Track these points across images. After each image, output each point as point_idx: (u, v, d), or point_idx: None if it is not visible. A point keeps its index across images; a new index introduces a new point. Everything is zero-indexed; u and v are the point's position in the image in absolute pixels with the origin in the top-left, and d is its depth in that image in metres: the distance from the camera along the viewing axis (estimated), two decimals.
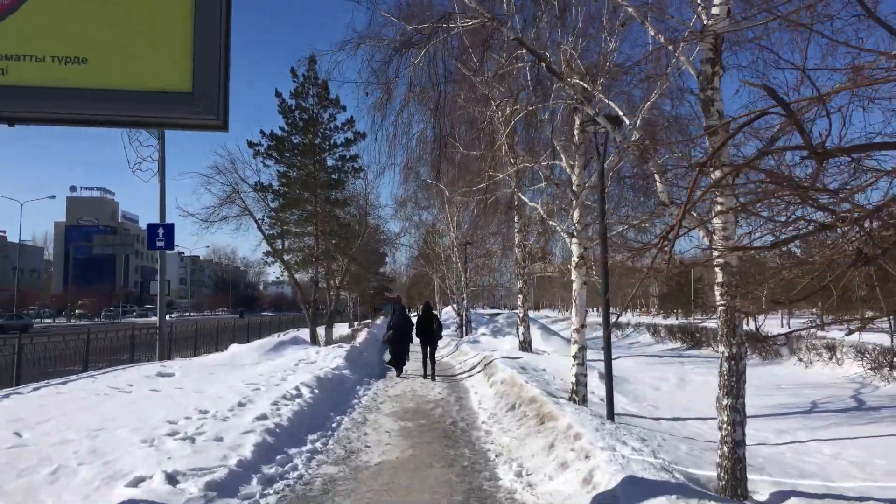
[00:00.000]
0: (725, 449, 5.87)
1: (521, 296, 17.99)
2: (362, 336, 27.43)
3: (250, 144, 23.32)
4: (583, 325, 10.22)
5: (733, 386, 5.88)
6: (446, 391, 13.69)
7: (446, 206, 27.73)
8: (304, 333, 26.35)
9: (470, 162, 13.79)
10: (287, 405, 9.53)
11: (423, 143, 13.98)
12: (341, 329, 38.46)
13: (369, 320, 53.08)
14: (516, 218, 17.57)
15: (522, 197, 11.47)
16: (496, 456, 7.70)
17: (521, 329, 17.84)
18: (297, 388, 10.86)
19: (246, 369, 14.54)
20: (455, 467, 7.20)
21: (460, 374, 16.82)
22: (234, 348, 17.68)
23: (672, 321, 43.08)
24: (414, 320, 17.35)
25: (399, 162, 15.75)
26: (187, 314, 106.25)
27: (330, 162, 25.39)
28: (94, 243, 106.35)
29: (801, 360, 16.34)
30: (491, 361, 15.46)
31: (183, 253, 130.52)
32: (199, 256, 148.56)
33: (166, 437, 7.43)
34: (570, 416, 7.97)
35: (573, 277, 10.24)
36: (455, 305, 31.94)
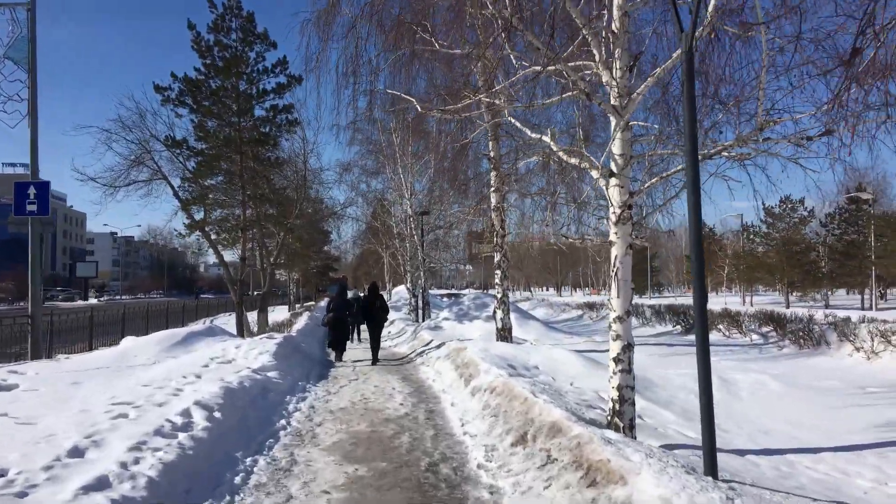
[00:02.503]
0: None
1: (498, 272, 14.26)
2: (302, 321, 23.54)
3: (158, 89, 18.85)
4: (628, 313, 6.67)
5: None
6: (410, 400, 10.05)
7: (400, 170, 23.92)
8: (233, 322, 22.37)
9: (449, 68, 10.02)
10: (159, 450, 5.74)
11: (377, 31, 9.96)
12: (280, 313, 34.37)
13: (312, 303, 49.12)
14: (493, 175, 13.87)
15: (517, 124, 7.81)
16: None
17: (500, 314, 14.19)
18: (185, 413, 7.05)
19: (133, 374, 10.61)
20: None
21: (424, 371, 13.21)
22: (128, 343, 13.64)
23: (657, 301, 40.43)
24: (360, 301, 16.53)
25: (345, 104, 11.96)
26: (118, 297, 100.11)
27: (259, 113, 21.17)
28: (21, 223, 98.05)
29: (859, 349, 13.18)
30: (465, 356, 11.89)
31: (116, 233, 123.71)
32: (133, 237, 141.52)
33: None
34: (655, 479, 4.42)
35: (613, 238, 6.67)
36: (410, 285, 28.12)
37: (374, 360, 14.79)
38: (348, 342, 16.76)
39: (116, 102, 38.53)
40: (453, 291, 76.73)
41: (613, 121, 6.67)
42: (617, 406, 6.59)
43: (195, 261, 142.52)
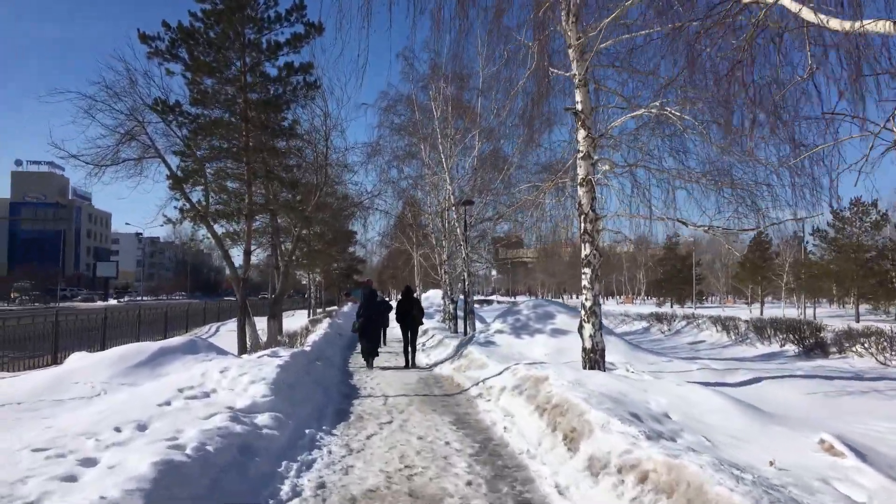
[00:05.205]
0: None
1: (587, 270, 10.17)
2: (321, 330, 19.80)
3: (144, 38, 15.03)
4: None
5: None
6: (481, 472, 6.20)
7: (440, 148, 20.06)
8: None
9: None
10: None
11: None
12: (300, 319, 30.64)
13: (335, 307, 45.52)
14: (581, 134, 9.95)
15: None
16: None
17: (590, 328, 10.14)
18: None
19: (49, 417, 6.98)
20: None
21: (485, 408, 9.34)
22: (75, 362, 9.95)
23: (708, 311, 36.11)
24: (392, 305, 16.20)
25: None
26: (139, 298, 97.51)
27: (271, 73, 17.33)
28: (36, 219, 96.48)
29: None
30: (549, 392, 8.07)
31: (141, 233, 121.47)
32: (159, 238, 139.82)
33: None
34: None
35: None
36: (448, 288, 24.03)
37: (409, 364, 14.66)
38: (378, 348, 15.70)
39: (104, 65, 33.98)
40: (481, 297, 72.69)
41: None
42: None
43: (221, 263, 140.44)
